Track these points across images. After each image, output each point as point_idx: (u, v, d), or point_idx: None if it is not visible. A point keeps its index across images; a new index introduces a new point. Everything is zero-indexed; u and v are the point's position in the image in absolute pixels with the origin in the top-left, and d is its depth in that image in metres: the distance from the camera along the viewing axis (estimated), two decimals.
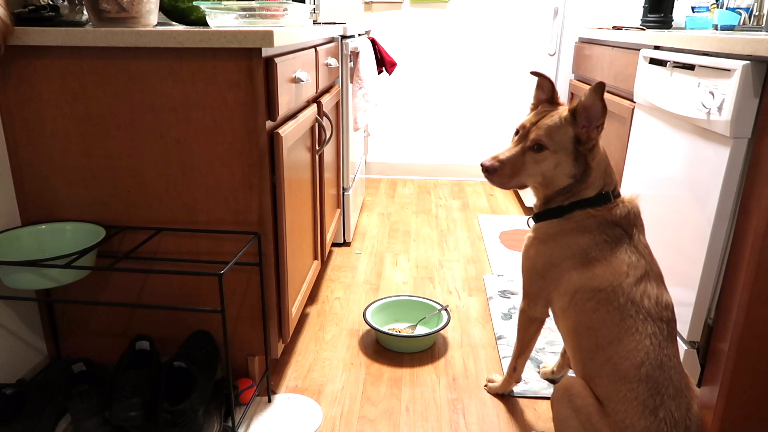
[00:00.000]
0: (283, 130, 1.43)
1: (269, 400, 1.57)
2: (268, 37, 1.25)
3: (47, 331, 1.58)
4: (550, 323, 1.89)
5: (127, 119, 1.37)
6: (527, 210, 3.22)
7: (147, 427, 1.31)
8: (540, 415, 1.54)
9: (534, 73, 1.35)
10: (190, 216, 1.43)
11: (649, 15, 2.48)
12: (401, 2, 3.59)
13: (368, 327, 1.95)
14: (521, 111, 3.31)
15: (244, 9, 1.46)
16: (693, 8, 2.60)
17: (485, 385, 1.65)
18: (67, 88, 1.35)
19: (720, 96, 1.32)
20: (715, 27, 2.30)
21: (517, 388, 1.63)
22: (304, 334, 1.92)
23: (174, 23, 1.69)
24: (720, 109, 1.31)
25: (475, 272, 2.42)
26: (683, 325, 1.46)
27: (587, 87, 1.21)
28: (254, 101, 1.33)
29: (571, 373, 1.65)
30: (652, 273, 1.22)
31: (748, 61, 1.24)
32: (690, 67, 1.51)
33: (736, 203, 1.31)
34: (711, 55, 1.42)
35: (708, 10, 2.52)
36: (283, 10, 1.52)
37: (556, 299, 1.30)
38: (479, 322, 2.02)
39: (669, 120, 1.64)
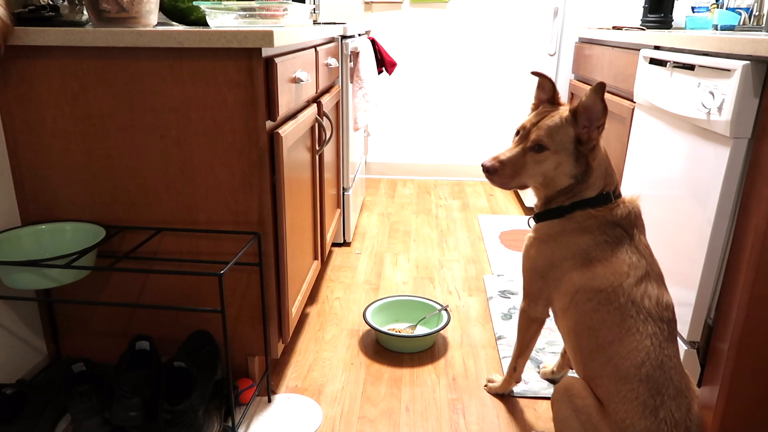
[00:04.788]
0: (283, 130, 1.43)
1: (269, 400, 1.57)
2: (268, 37, 1.25)
3: (47, 331, 1.58)
4: (550, 323, 1.89)
5: (127, 119, 1.37)
6: (527, 210, 3.22)
7: (147, 427, 1.31)
8: (540, 415, 1.54)
9: (535, 73, 1.35)
10: (190, 216, 1.43)
11: (649, 15, 2.48)
12: (401, 2, 3.59)
13: (368, 327, 1.95)
14: (521, 111, 3.31)
15: (244, 9, 1.46)
16: (693, 8, 2.60)
17: (485, 385, 1.65)
18: (67, 88, 1.35)
19: (720, 96, 1.32)
20: (715, 27, 2.30)
21: (517, 388, 1.63)
22: (304, 334, 1.92)
23: (174, 23, 1.69)
24: (720, 109, 1.31)
25: (475, 272, 2.42)
26: (683, 325, 1.46)
27: (587, 87, 1.22)
28: (254, 101, 1.33)
29: (571, 373, 1.65)
30: (652, 273, 1.22)
31: (748, 61, 1.24)
32: (690, 67, 1.51)
33: (736, 203, 1.31)
34: (711, 55, 1.42)
35: (708, 10, 2.52)
36: (283, 10, 1.52)
37: (557, 299, 1.30)
38: (479, 322, 2.02)
39: (669, 120, 1.64)
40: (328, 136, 2.05)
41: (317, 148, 1.91)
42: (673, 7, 2.46)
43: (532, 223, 1.38)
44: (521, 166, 1.27)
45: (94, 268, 1.28)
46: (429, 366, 1.76)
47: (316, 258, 2.00)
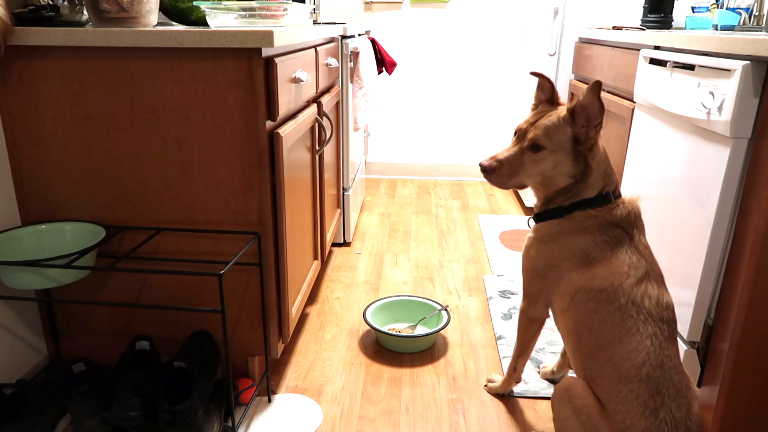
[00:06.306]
0: (283, 130, 1.43)
1: (269, 400, 1.57)
2: (268, 37, 1.25)
3: (47, 331, 1.58)
4: (550, 323, 1.89)
5: (127, 119, 1.37)
6: (527, 210, 3.22)
7: (147, 427, 1.31)
8: (540, 415, 1.54)
9: (534, 74, 1.35)
10: (190, 216, 1.43)
11: (649, 15, 2.48)
12: (401, 2, 3.59)
13: (368, 327, 1.95)
14: (521, 111, 3.31)
15: (244, 9, 1.46)
16: (693, 8, 2.60)
17: (485, 385, 1.65)
18: (67, 88, 1.35)
19: (720, 96, 1.32)
20: (715, 27, 2.30)
21: (517, 388, 1.63)
22: (304, 334, 1.92)
23: (174, 23, 1.69)
24: (720, 109, 1.31)
25: (475, 272, 2.42)
26: (683, 325, 1.46)
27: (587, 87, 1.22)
28: (254, 101, 1.33)
29: (571, 374, 1.65)
30: (652, 273, 1.21)
31: (748, 61, 1.24)
32: (690, 67, 1.51)
33: (736, 203, 1.31)
34: (711, 55, 1.42)
35: (708, 10, 2.52)
36: (283, 10, 1.52)
37: (557, 300, 1.30)
38: (479, 322, 2.02)
39: (669, 120, 1.64)
40: (328, 136, 2.05)
41: (317, 148, 1.91)
42: (673, 7, 2.46)
43: (532, 223, 1.38)
44: (519, 165, 1.27)
45: (94, 268, 1.28)
46: (429, 366, 1.76)
47: (316, 258, 2.00)
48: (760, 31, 2.13)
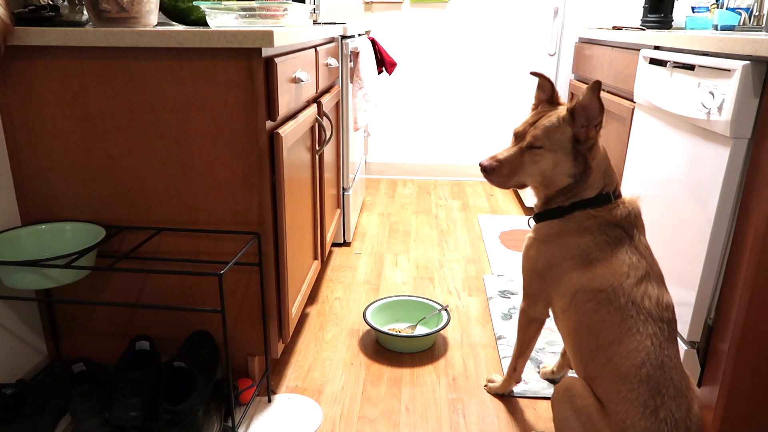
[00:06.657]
0: (283, 130, 1.43)
1: (269, 400, 1.57)
2: (268, 37, 1.25)
3: (47, 331, 1.58)
4: (550, 323, 1.89)
5: (127, 119, 1.37)
6: (527, 210, 3.22)
7: (147, 427, 1.31)
8: (540, 415, 1.54)
9: (534, 74, 1.35)
10: (190, 216, 1.43)
11: (649, 15, 2.48)
12: (401, 2, 3.59)
13: (368, 327, 1.95)
14: (521, 111, 3.31)
15: (244, 9, 1.46)
16: (693, 8, 2.60)
17: (485, 385, 1.65)
18: (67, 88, 1.35)
19: (720, 96, 1.32)
20: (715, 27, 2.30)
21: (517, 388, 1.63)
22: (304, 334, 1.92)
23: (174, 23, 1.69)
24: (720, 109, 1.31)
25: (475, 272, 2.42)
26: (683, 325, 1.46)
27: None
28: (254, 101, 1.33)
29: (571, 374, 1.65)
30: (652, 273, 1.21)
31: (748, 61, 1.24)
32: (690, 67, 1.51)
33: (736, 203, 1.31)
34: (711, 56, 1.42)
35: (708, 10, 2.52)
36: (283, 10, 1.52)
37: (557, 300, 1.30)
38: (479, 322, 2.02)
39: (669, 120, 1.64)
40: (328, 136, 2.05)
41: (317, 148, 1.91)
42: (673, 7, 2.46)
43: (532, 223, 1.38)
44: (519, 165, 1.27)
45: (94, 268, 1.28)
46: (429, 366, 1.76)
47: (316, 258, 2.00)
48: (760, 31, 2.13)
